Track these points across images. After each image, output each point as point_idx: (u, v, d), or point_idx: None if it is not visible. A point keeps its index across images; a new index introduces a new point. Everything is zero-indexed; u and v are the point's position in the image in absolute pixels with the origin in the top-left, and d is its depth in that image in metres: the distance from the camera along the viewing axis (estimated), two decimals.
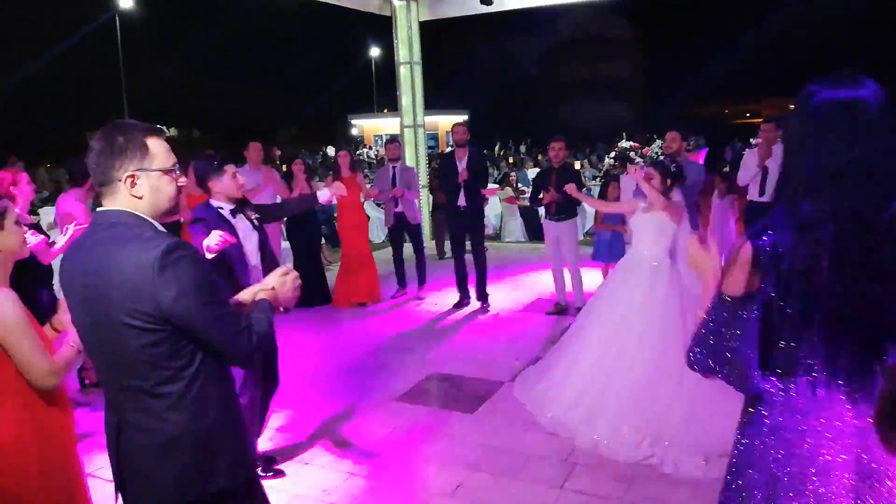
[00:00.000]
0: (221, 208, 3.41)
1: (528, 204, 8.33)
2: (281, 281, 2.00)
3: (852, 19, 43.85)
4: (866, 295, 1.41)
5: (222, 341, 1.72)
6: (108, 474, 1.86)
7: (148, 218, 1.75)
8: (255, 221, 3.52)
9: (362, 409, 4.46)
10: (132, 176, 1.72)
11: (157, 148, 1.76)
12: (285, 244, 7.58)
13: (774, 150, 6.16)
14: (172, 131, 50.32)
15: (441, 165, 7.12)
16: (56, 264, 4.05)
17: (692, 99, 48.18)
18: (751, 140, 11.18)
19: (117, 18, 22.75)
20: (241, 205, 3.49)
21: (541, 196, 6.47)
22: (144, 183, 1.73)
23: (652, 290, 4.11)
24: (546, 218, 6.63)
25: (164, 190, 1.78)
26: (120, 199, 1.73)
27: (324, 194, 4.05)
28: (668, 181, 4.29)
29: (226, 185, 3.38)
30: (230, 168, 3.42)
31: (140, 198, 1.74)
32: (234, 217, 3.42)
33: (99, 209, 1.76)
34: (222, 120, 45.13)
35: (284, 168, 21.59)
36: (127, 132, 1.73)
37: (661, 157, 5.20)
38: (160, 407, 1.70)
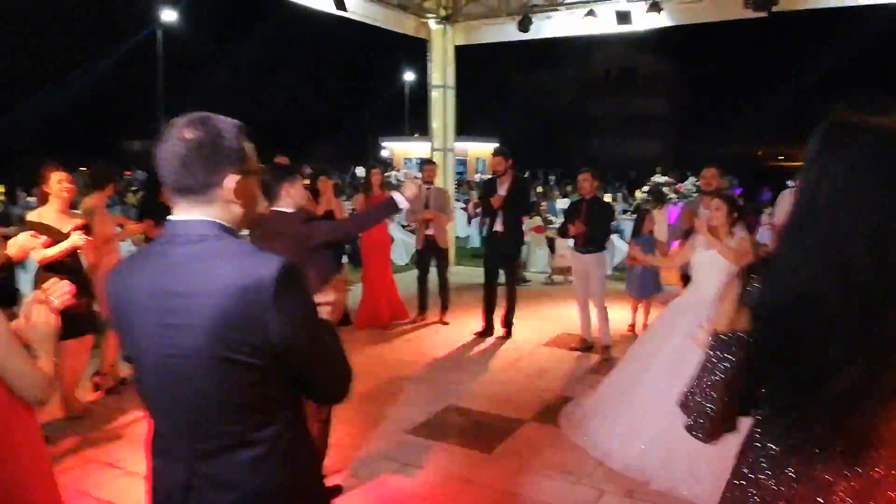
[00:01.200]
0: (302, 212, 3.31)
1: (557, 234, 8.14)
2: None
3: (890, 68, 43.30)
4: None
5: (328, 378, 1.54)
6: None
7: (235, 230, 1.49)
8: None
9: (373, 439, 4.24)
10: (237, 180, 1.45)
11: (250, 149, 1.53)
12: None
13: None
14: None
15: (483, 189, 6.98)
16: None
17: (725, 138, 47.70)
18: (787, 182, 10.93)
19: (158, 32, 23.20)
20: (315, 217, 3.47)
21: (571, 233, 6.26)
22: (245, 189, 1.48)
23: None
24: (574, 249, 6.42)
25: (258, 198, 1.56)
26: (210, 208, 1.44)
27: (401, 199, 3.39)
28: (735, 214, 4.15)
29: (298, 190, 3.26)
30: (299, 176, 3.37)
31: (237, 205, 1.47)
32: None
33: (174, 218, 1.45)
34: (256, 134, 45.71)
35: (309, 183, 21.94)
36: (224, 130, 1.45)
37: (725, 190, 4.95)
38: (251, 457, 1.41)
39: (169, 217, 1.48)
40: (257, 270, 1.36)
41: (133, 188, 14.61)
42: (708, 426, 1.36)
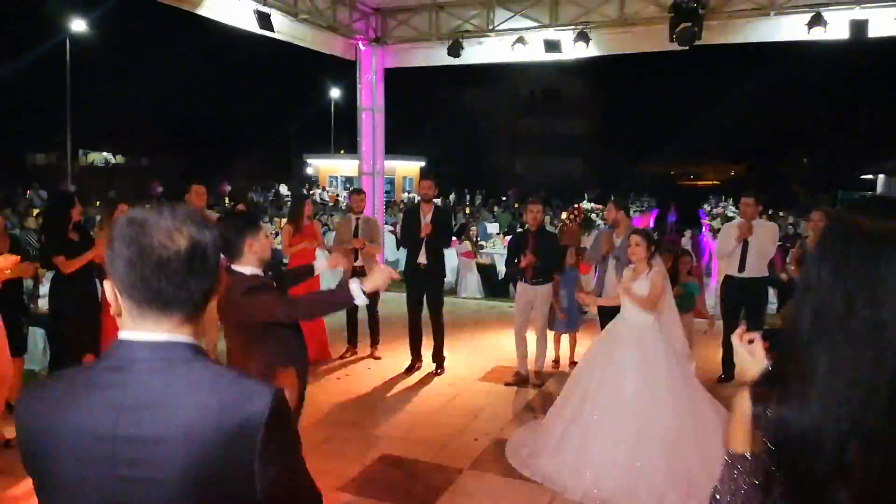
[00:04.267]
0: (258, 276, 2.81)
1: (505, 264, 8.00)
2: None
3: (800, 93, 46.34)
4: None
5: None
6: None
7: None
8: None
9: None
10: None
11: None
12: None
13: (755, 226, 6.12)
14: (120, 158, 48.82)
15: (405, 219, 6.75)
16: None
17: (641, 158, 49.60)
18: (704, 206, 11.41)
19: (68, 42, 21.92)
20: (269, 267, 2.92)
21: (517, 260, 6.13)
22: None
23: (645, 353, 4.32)
24: (522, 281, 6.25)
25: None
26: (184, 326, 1.18)
27: (359, 294, 2.79)
28: (652, 248, 4.62)
29: (263, 244, 2.79)
30: (264, 224, 2.89)
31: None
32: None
33: (131, 338, 1.15)
34: (173, 149, 44.01)
35: (233, 206, 21.09)
36: (211, 235, 1.22)
37: (642, 228, 5.09)
38: None
39: (122, 336, 1.16)
40: (243, 408, 1.11)
41: (36, 209, 13.56)
42: None
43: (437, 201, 6.72)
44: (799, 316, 1.16)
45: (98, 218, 9.96)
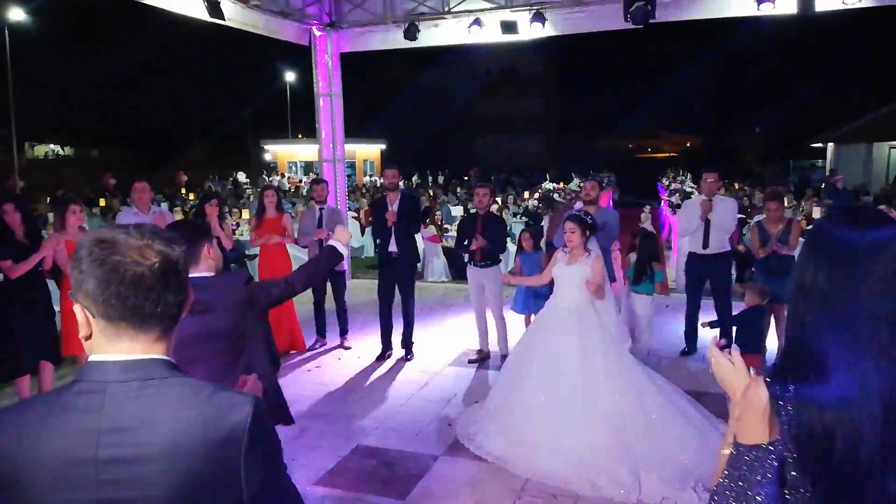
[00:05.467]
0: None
1: (453, 247, 8.11)
2: None
3: (754, 62, 47.27)
4: None
5: None
6: None
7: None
8: None
9: None
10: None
11: None
12: None
13: (715, 202, 6.19)
14: (68, 150, 47.24)
15: (373, 210, 6.73)
16: None
17: (599, 134, 50.06)
18: (662, 179, 11.55)
19: (6, 31, 21.00)
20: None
21: (467, 243, 6.25)
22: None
23: (582, 336, 4.41)
24: (470, 264, 6.39)
25: None
26: (158, 344, 1.19)
27: (342, 246, 2.98)
28: (587, 232, 4.69)
29: (217, 252, 2.75)
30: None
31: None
32: None
33: (104, 359, 1.15)
34: (124, 139, 42.73)
35: (191, 196, 20.64)
36: (179, 251, 1.25)
37: (579, 212, 5.20)
38: None
39: (94, 358, 1.15)
40: (226, 419, 1.13)
41: None
42: None
43: (400, 183, 6.70)
44: (800, 313, 1.24)
45: (49, 216, 9.63)
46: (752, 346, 4.95)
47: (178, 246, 1.21)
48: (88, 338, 1.17)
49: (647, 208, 14.76)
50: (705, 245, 6.22)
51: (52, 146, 46.93)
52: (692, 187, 10.01)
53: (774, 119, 42.89)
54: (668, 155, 53.69)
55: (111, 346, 1.15)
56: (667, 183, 11.28)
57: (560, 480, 3.93)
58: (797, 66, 44.05)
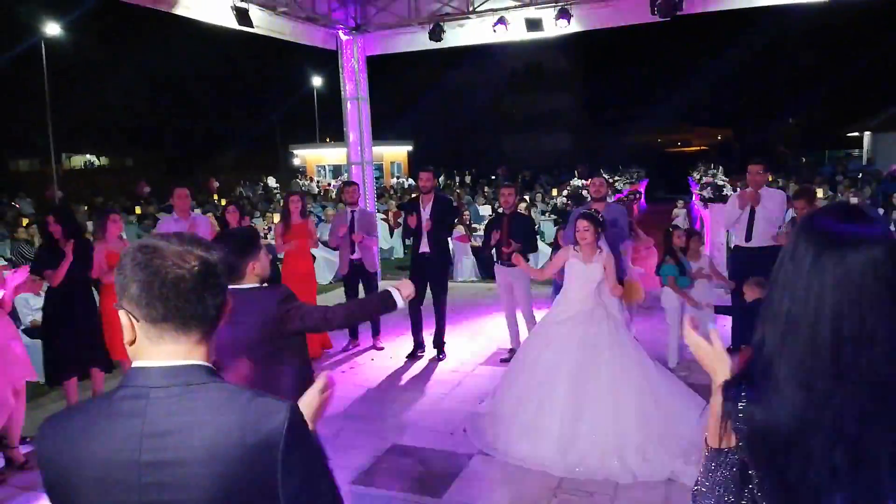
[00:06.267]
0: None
1: (480, 247, 8.14)
2: (308, 402, 1.56)
3: (786, 51, 46.32)
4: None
5: None
6: None
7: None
8: None
9: None
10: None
11: None
12: None
13: (762, 194, 6.00)
14: (103, 160, 48.36)
15: (404, 211, 6.79)
16: None
17: (628, 129, 49.55)
18: (693, 173, 11.47)
19: (43, 44, 21.58)
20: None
21: (492, 242, 6.29)
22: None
23: (599, 328, 4.50)
24: (498, 263, 6.39)
25: None
26: (199, 348, 1.23)
27: (398, 297, 2.79)
28: (599, 230, 4.74)
29: (263, 263, 2.72)
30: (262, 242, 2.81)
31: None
32: None
33: (147, 365, 1.20)
34: (157, 147, 43.62)
35: (222, 202, 20.95)
36: (218, 254, 1.30)
37: (589, 210, 5.19)
38: None
39: (137, 364, 1.20)
40: (263, 424, 1.16)
41: (26, 219, 13.42)
42: None
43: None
44: (768, 317, 1.20)
45: (88, 225, 9.89)
46: (747, 338, 4.88)
47: (215, 252, 1.25)
48: (132, 342, 1.21)
49: (680, 203, 14.59)
50: (748, 237, 6.05)
51: (87, 156, 48.11)
52: (724, 181, 9.87)
53: (808, 109, 41.98)
54: (697, 148, 52.91)
55: (155, 349, 1.20)
56: (698, 177, 11.14)
57: (603, 474, 3.98)
58: (830, 53, 43.01)
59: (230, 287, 2.59)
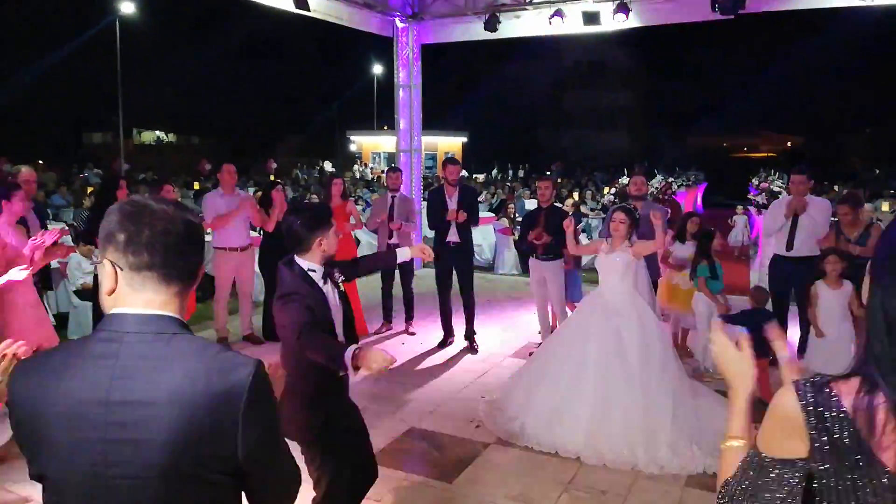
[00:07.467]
0: (313, 270, 2.69)
1: (518, 241, 8.05)
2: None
3: (864, 55, 44.25)
4: None
5: (280, 488, 1.38)
6: None
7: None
8: (340, 286, 2.83)
9: None
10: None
11: None
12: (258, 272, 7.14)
13: (808, 202, 5.76)
14: (171, 137, 50.13)
15: (430, 201, 6.80)
16: None
17: (692, 131, 48.23)
18: (753, 180, 11.04)
19: (117, 23, 22.48)
20: (330, 265, 2.78)
21: (529, 238, 6.23)
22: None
23: (630, 320, 4.50)
24: (532, 256, 6.35)
25: None
26: (174, 301, 1.29)
27: (404, 253, 3.33)
28: (633, 226, 4.79)
29: (331, 241, 2.67)
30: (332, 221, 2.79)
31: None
32: (326, 283, 2.72)
33: (124, 311, 1.25)
34: (223, 128, 44.90)
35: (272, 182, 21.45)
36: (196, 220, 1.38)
37: (627, 205, 5.24)
38: None
39: (115, 311, 1.26)
40: (228, 375, 1.21)
41: (91, 188, 14.06)
42: None
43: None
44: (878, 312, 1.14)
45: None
46: (757, 349, 4.69)
47: (197, 218, 1.33)
48: (112, 292, 1.26)
49: (739, 208, 14.12)
50: (789, 247, 5.82)
51: (157, 133, 49.97)
52: (781, 187, 9.52)
53: (887, 118, 39.94)
54: (765, 155, 51.01)
55: (134, 297, 1.25)
56: (756, 183, 10.78)
57: (627, 464, 4.05)
58: None
59: (296, 258, 2.67)
